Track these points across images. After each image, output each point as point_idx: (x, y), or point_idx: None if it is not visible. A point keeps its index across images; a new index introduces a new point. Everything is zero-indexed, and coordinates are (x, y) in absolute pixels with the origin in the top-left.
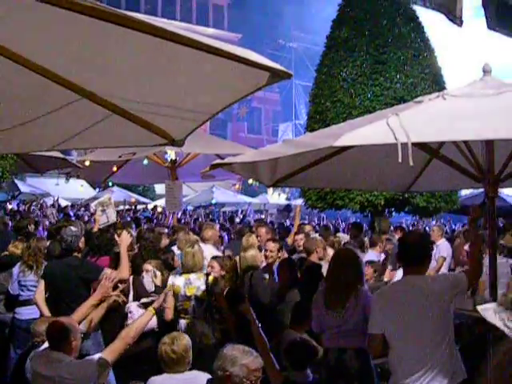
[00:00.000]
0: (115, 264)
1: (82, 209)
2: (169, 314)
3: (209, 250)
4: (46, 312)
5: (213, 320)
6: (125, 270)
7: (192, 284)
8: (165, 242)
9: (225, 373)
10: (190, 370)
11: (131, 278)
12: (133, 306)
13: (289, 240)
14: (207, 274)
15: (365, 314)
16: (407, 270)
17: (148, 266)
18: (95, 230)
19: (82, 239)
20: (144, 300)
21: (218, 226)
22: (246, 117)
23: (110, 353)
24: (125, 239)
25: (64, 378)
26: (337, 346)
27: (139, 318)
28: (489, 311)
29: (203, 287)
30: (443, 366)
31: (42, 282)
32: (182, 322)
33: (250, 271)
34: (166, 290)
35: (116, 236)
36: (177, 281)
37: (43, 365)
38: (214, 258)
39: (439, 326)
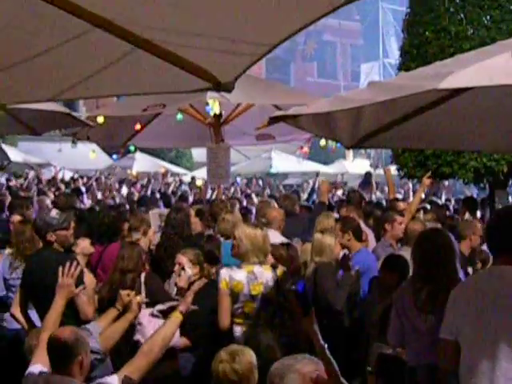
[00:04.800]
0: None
1: (94, 183)
2: (224, 320)
3: (273, 237)
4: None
5: (282, 327)
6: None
7: (258, 279)
8: (196, 225)
9: None
10: None
11: (143, 276)
12: (143, 316)
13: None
14: (274, 266)
15: None
16: (498, 258)
17: (182, 259)
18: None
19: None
20: (160, 307)
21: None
22: (316, 55)
23: (130, 374)
24: (66, 286)
25: None
26: (429, 361)
27: (162, 326)
28: None
29: (271, 283)
30: None
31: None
32: (238, 330)
33: (317, 265)
34: (193, 287)
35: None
36: (236, 275)
37: None
38: (282, 245)
39: None
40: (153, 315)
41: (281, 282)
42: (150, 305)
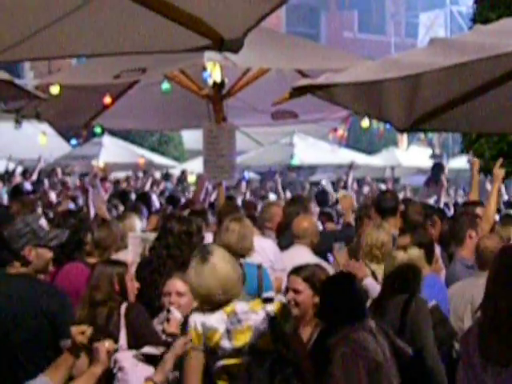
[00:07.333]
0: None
1: (46, 180)
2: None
3: (301, 255)
4: None
5: None
6: None
7: (242, 322)
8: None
9: None
10: None
11: (123, 307)
12: (125, 359)
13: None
14: (268, 300)
15: None
16: None
17: (178, 285)
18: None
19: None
20: (148, 350)
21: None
22: (357, 0)
23: None
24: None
25: None
26: None
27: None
28: None
29: (264, 327)
30: None
31: None
32: None
33: (405, 293)
34: (175, 349)
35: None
36: (210, 320)
37: None
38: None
39: None
40: (138, 358)
41: (280, 323)
42: (132, 347)
